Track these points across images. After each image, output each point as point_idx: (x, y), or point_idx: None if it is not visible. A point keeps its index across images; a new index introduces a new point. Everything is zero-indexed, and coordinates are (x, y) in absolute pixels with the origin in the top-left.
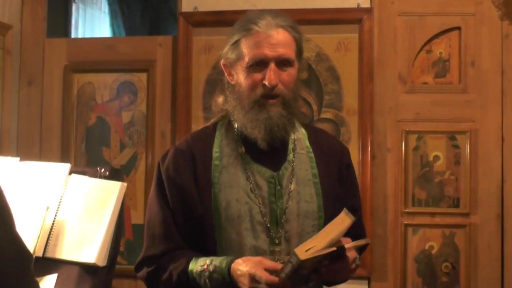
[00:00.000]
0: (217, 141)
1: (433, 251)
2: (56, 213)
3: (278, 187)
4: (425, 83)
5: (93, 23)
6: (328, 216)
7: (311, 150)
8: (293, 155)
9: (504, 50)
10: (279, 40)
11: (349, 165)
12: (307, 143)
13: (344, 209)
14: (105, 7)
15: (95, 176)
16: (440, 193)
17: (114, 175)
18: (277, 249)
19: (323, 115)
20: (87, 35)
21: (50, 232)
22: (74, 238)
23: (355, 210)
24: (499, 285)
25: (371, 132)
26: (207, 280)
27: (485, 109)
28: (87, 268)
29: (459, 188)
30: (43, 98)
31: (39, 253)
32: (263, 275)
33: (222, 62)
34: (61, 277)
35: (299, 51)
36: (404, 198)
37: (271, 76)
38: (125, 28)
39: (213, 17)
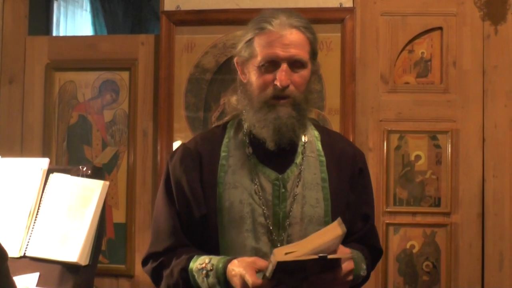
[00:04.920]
0: (225, 141)
1: (414, 250)
2: (38, 211)
3: (283, 190)
4: (407, 83)
5: (74, 21)
6: None
7: (322, 154)
8: (302, 158)
9: (486, 51)
10: (292, 40)
11: (363, 170)
12: (319, 146)
13: (339, 218)
14: (87, 5)
15: (77, 175)
16: (421, 193)
17: (96, 173)
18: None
19: None
20: (69, 33)
21: (31, 230)
22: (56, 237)
23: (367, 218)
24: (479, 284)
25: (353, 132)
26: (204, 279)
27: (466, 109)
28: (69, 267)
29: (440, 187)
30: (24, 96)
31: (21, 252)
32: (250, 278)
33: (235, 60)
34: (43, 276)
35: (313, 53)
36: (385, 197)
37: (282, 77)
38: (107, 27)
39: (195, 16)
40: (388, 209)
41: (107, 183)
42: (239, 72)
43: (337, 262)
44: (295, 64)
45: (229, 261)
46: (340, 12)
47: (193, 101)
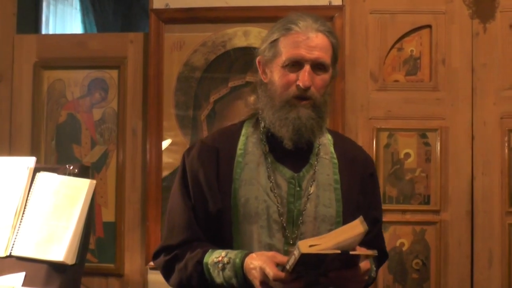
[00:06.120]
0: (242, 138)
1: (404, 248)
2: (24, 210)
3: (298, 188)
4: (396, 81)
5: (64, 19)
6: (347, 222)
7: (335, 156)
8: (316, 159)
9: (474, 49)
10: (317, 43)
11: (373, 175)
12: (332, 149)
13: (360, 217)
14: (76, 3)
15: (64, 174)
16: (410, 190)
17: (83, 172)
18: (291, 249)
19: None
20: (58, 32)
21: (17, 230)
22: (42, 236)
23: (376, 222)
24: (468, 281)
25: (342, 130)
26: (220, 272)
27: (456, 107)
28: (55, 266)
29: (429, 185)
30: (12, 95)
31: (7, 252)
32: (272, 271)
33: (258, 59)
34: (29, 275)
35: (335, 58)
36: None
37: (305, 77)
38: (97, 25)
39: (184, 14)
40: None
41: (94, 181)
42: (260, 72)
43: (357, 259)
44: (318, 66)
45: (247, 255)
46: (329, 10)
47: (183, 99)
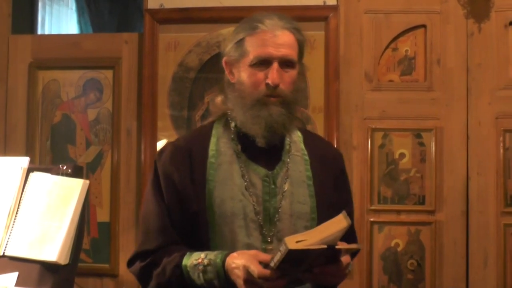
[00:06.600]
0: (213, 139)
1: (399, 249)
2: (17, 210)
3: (272, 186)
4: (391, 81)
5: (60, 20)
6: (322, 218)
7: (306, 153)
8: (288, 156)
9: (469, 48)
10: (284, 40)
11: (343, 171)
12: (302, 146)
13: (343, 211)
14: (72, 4)
15: (58, 174)
16: (405, 191)
17: (76, 172)
18: (269, 247)
19: None
20: (54, 32)
21: (10, 230)
22: (36, 236)
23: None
24: (464, 281)
25: (337, 130)
26: (201, 274)
27: (450, 107)
28: (48, 266)
29: (424, 185)
30: (7, 95)
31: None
32: (256, 268)
33: (224, 60)
34: (22, 275)
35: (301, 54)
36: (369, 195)
37: (274, 75)
38: (92, 25)
39: (179, 14)
40: (373, 207)
41: (87, 182)
42: (226, 72)
43: (340, 254)
44: (285, 63)
45: (227, 254)
46: (323, 10)
47: (177, 99)
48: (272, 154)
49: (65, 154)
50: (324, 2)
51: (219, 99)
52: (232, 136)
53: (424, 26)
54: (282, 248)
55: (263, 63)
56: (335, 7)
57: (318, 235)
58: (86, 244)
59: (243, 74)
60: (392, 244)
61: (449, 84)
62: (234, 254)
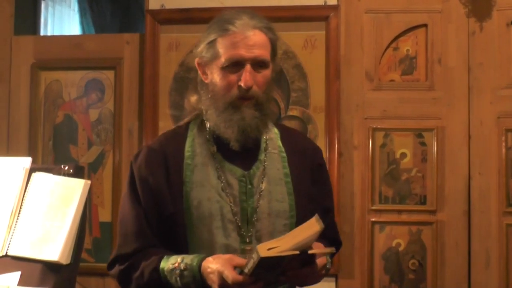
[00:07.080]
0: (189, 140)
1: (400, 248)
2: (20, 210)
3: (249, 186)
4: (392, 80)
5: (62, 21)
6: (301, 215)
7: (283, 150)
8: (265, 154)
9: (471, 48)
10: (255, 41)
11: (322, 165)
12: (279, 142)
13: (316, 215)
14: (74, 5)
15: (59, 174)
16: (407, 190)
17: (78, 172)
18: (248, 247)
19: (290, 113)
20: (56, 33)
21: (13, 230)
22: (37, 236)
23: (328, 211)
24: (465, 282)
25: (338, 130)
26: (178, 278)
27: (452, 107)
28: (50, 266)
29: (426, 185)
30: (10, 96)
31: (2, 252)
32: (230, 274)
33: (196, 60)
34: (24, 275)
35: (274, 53)
36: (371, 195)
37: (247, 77)
38: (94, 26)
39: (180, 15)
40: (374, 207)
41: (89, 182)
42: (200, 73)
43: (314, 257)
44: (258, 64)
45: (203, 259)
46: (324, 10)
47: (178, 99)
48: (248, 154)
49: (67, 154)
50: (325, 2)
51: (194, 98)
52: (208, 136)
53: (425, 25)
54: (255, 256)
55: (235, 65)
56: (335, 7)
57: (291, 241)
58: (88, 243)
59: (215, 76)
60: (394, 244)
61: (450, 83)
62: (210, 258)
